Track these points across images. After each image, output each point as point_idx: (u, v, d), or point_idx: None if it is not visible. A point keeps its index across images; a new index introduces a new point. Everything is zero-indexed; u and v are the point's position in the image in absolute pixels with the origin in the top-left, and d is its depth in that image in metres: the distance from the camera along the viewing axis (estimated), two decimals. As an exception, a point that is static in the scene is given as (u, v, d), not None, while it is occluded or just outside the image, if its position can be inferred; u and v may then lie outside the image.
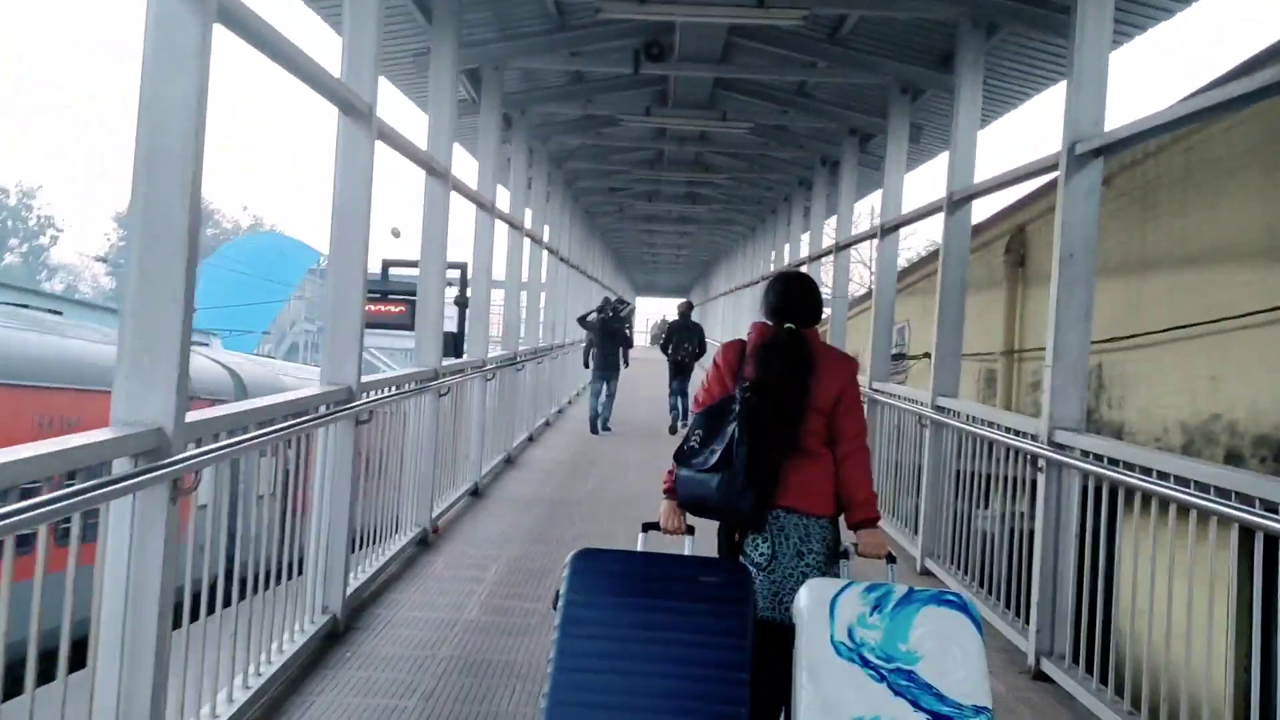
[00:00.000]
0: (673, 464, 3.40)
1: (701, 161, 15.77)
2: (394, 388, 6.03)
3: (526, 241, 11.64)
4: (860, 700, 2.72)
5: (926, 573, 6.62)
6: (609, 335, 13.60)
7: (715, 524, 3.42)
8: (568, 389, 17.67)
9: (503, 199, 10.22)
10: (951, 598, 2.87)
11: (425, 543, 6.80)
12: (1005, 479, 5.50)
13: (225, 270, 40.31)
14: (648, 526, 3.37)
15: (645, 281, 45.37)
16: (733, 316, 23.00)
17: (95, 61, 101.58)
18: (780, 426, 3.29)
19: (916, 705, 2.72)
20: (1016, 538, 5.29)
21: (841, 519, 3.40)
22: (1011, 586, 5.31)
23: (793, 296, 3.44)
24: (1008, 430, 5.45)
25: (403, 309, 12.10)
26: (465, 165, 9.09)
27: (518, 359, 10.95)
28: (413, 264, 13.84)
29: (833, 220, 13.87)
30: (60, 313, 14.78)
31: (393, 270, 14.20)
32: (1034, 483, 5.02)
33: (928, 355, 12.45)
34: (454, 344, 10.27)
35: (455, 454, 8.03)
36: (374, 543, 5.84)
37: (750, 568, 3.23)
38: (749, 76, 10.45)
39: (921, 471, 6.84)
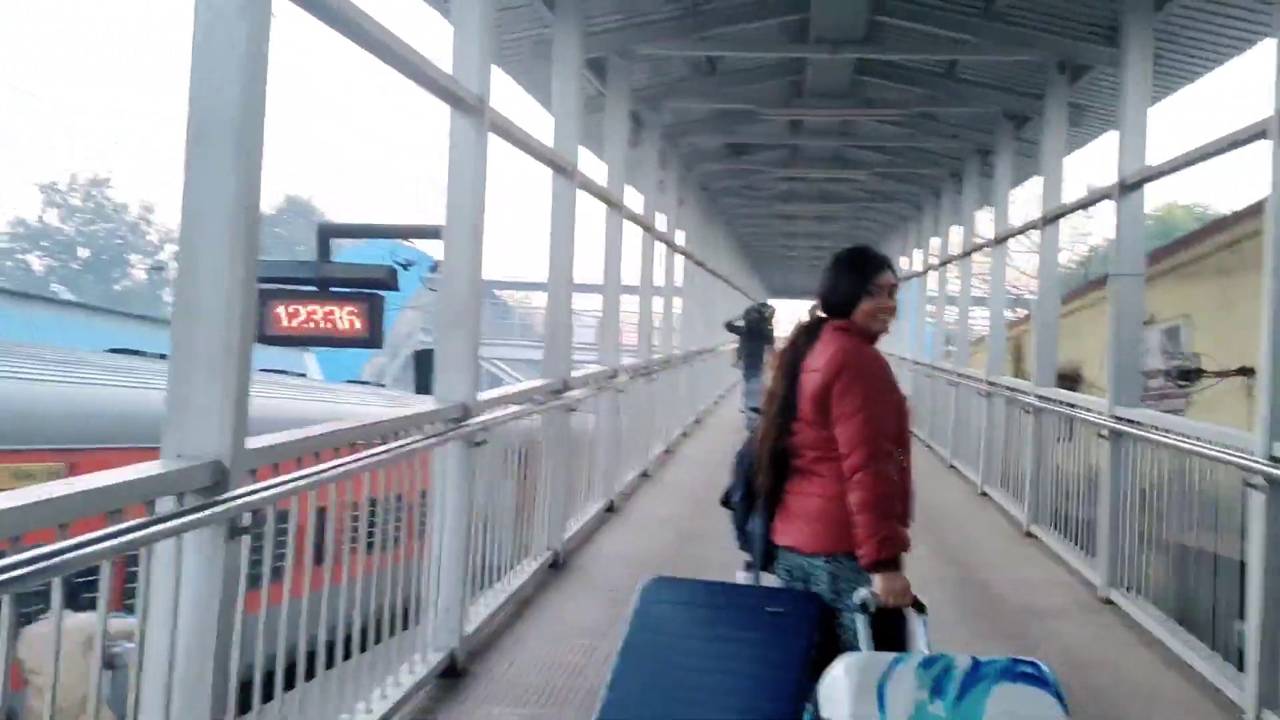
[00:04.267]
0: None
1: (841, 157, 15.57)
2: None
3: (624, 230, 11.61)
4: None
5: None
6: (756, 337, 15.05)
7: None
8: (681, 417, 14.77)
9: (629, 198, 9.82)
10: (1028, 668, 2.51)
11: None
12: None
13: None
14: (751, 565, 3.32)
15: (782, 282, 44.91)
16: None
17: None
18: (767, 437, 3.18)
19: None
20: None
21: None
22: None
23: (824, 275, 3.30)
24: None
25: (356, 314, 6.51)
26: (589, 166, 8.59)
27: (569, 389, 7.05)
28: (376, 231, 11.16)
29: (986, 215, 13.59)
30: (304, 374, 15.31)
31: (343, 243, 9.74)
32: None
33: (1244, 371, 8.76)
34: (425, 370, 7.01)
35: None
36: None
37: None
38: (892, 57, 10.23)
39: None
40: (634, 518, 8.62)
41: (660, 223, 12.95)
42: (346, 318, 6.41)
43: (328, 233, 7.39)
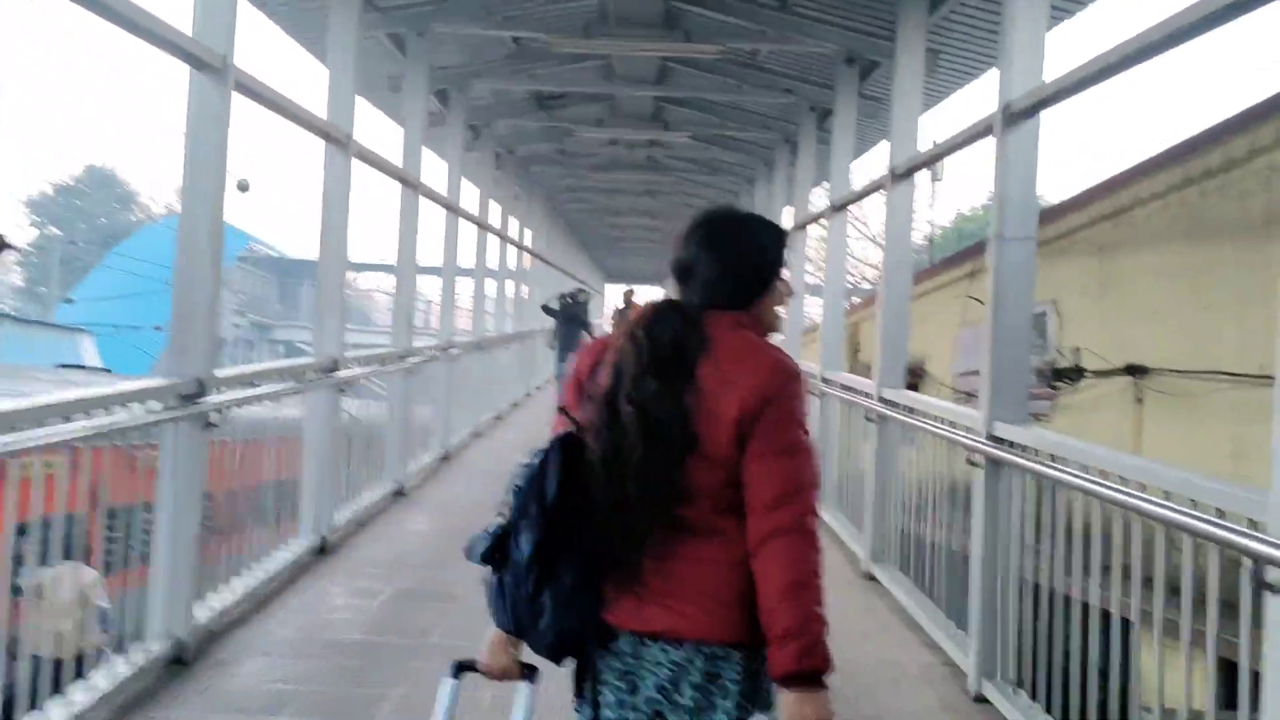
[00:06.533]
0: None
1: (661, 117, 13.66)
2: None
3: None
4: None
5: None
6: (570, 320, 15.58)
7: None
8: (474, 414, 12.80)
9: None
10: None
11: None
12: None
13: (131, 260, 37.76)
14: (462, 667, 2.13)
15: (617, 266, 43.31)
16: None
17: None
18: (634, 481, 1.99)
19: None
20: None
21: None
22: None
23: (690, 244, 2.13)
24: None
25: None
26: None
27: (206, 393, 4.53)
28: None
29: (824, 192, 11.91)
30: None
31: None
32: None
33: (1131, 370, 7.24)
34: None
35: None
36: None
37: None
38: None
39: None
40: (358, 560, 6.41)
41: (440, 181, 10.65)
42: None
43: None
